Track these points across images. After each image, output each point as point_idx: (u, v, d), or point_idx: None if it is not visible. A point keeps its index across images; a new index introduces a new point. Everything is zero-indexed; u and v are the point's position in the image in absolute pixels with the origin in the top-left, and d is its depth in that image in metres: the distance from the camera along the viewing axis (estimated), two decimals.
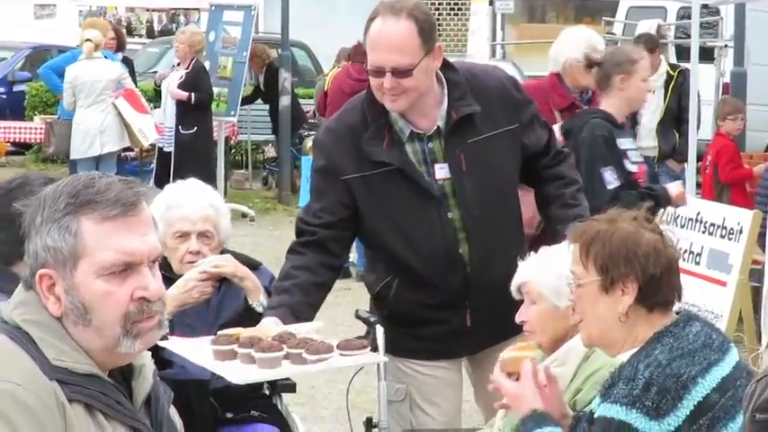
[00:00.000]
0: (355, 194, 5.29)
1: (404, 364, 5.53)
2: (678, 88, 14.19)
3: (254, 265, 5.73)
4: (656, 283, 4.09)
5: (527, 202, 5.99)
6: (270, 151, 20.87)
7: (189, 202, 5.56)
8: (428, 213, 5.29)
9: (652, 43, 14.45)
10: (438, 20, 31.38)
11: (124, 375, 3.28)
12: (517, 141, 5.43)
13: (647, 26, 13.86)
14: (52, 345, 3.14)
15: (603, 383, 4.16)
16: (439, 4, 32.50)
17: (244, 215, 17.73)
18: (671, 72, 14.29)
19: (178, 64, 16.77)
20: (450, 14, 33.36)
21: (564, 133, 7.48)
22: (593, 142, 7.31)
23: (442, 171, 5.27)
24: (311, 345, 4.82)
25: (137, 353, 3.24)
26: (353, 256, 14.30)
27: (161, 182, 13.60)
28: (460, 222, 5.32)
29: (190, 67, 16.51)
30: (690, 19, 13.58)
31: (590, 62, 7.67)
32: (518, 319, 4.87)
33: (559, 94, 7.73)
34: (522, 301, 4.90)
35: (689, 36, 12.96)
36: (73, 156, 15.89)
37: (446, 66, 5.35)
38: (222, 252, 5.59)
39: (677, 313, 4.17)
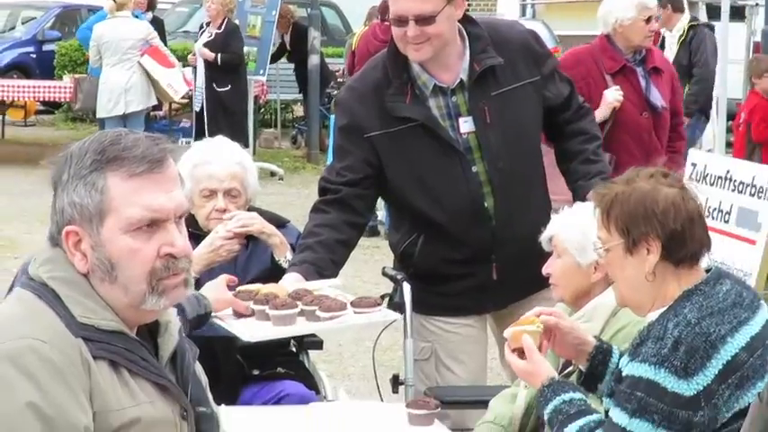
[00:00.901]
0: (379, 152, 5.31)
1: (429, 322, 5.56)
2: (688, 44, 14.12)
3: (281, 223, 5.74)
4: (679, 237, 4.06)
5: None
6: (298, 110, 20.90)
7: (216, 159, 5.54)
8: (453, 168, 5.30)
9: (677, 3, 14.58)
10: None
11: (150, 332, 3.28)
12: (539, 94, 5.46)
13: None
14: (78, 302, 3.14)
15: (632, 342, 4.16)
16: None
17: (273, 174, 17.77)
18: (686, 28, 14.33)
19: (208, 24, 16.70)
20: None
21: None
22: None
23: (466, 124, 5.29)
24: (324, 302, 4.84)
25: (162, 310, 3.24)
26: (381, 214, 14.36)
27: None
28: (485, 176, 5.33)
29: (222, 27, 16.47)
30: None
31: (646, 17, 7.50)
32: (544, 270, 4.91)
33: (610, 56, 7.56)
34: (548, 255, 4.93)
35: None
36: (99, 114, 16.01)
37: (467, 20, 5.37)
38: (249, 209, 5.57)
39: (707, 271, 4.17)
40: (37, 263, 3.24)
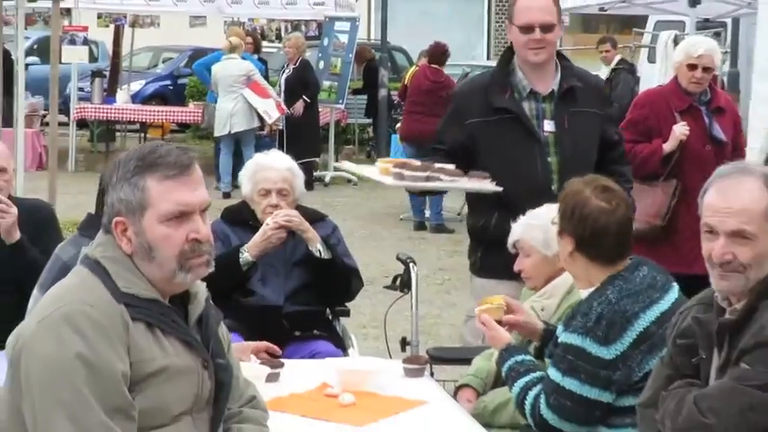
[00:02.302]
0: (476, 137, 5.40)
1: (489, 283, 5.51)
2: (610, 82, 13.85)
3: (320, 217, 5.74)
4: (588, 242, 4.10)
5: (653, 195, 6.42)
6: (370, 132, 20.90)
7: (271, 166, 5.57)
8: (533, 155, 5.37)
9: (613, 42, 14.59)
10: None
11: (182, 300, 3.30)
12: (601, 126, 5.58)
13: (666, 36, 13.54)
14: (123, 276, 3.17)
15: (566, 316, 4.17)
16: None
17: (349, 180, 17.72)
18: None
19: (287, 63, 16.89)
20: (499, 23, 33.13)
21: None
22: None
23: (548, 126, 5.41)
24: (447, 171, 5.17)
25: (189, 283, 3.25)
26: (428, 212, 14.39)
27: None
28: (557, 166, 5.39)
29: (298, 63, 16.63)
30: (703, 30, 13.37)
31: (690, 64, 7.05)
32: (516, 268, 4.82)
33: (678, 96, 7.15)
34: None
35: None
36: (215, 133, 16.06)
37: (559, 54, 5.60)
38: (297, 207, 5.59)
39: (631, 258, 4.17)
40: (92, 246, 3.28)
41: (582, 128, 5.45)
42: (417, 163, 5.32)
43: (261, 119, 15.87)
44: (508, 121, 5.36)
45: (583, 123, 5.46)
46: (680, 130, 6.97)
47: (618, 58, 14.37)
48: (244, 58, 16.43)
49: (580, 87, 5.49)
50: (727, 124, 7.21)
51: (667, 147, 6.98)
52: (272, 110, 15.85)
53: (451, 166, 5.30)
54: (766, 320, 3.28)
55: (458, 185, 5.26)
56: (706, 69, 7.02)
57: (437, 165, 5.26)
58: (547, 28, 5.31)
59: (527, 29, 5.31)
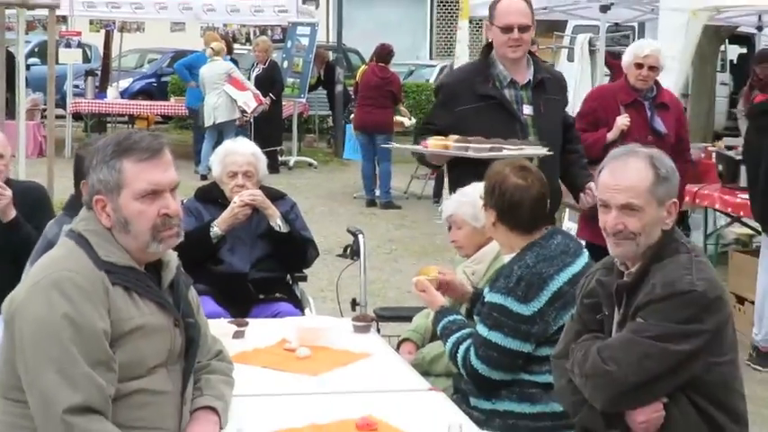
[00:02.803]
0: (467, 120, 5.40)
1: None
2: None
3: (280, 196, 5.70)
4: (505, 213, 4.10)
5: (595, 177, 6.13)
6: (329, 122, 20.80)
7: (238, 151, 5.53)
8: (516, 134, 5.39)
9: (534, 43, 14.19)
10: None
11: (156, 268, 3.28)
12: (562, 110, 5.75)
13: (582, 38, 13.49)
14: (103, 246, 3.16)
15: (491, 278, 4.18)
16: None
17: (310, 164, 17.69)
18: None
19: (257, 63, 16.81)
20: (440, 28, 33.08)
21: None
22: None
23: (527, 110, 5.47)
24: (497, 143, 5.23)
25: (161, 252, 3.25)
26: (378, 191, 14.39)
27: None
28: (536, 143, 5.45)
29: (267, 64, 16.51)
30: (615, 33, 13.37)
31: (637, 63, 6.99)
32: (450, 239, 4.81)
33: (625, 92, 7.05)
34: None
35: (612, 45, 12.60)
36: (205, 125, 15.89)
37: (531, 53, 5.65)
38: (260, 188, 5.55)
39: (547, 228, 4.18)
40: (76, 221, 3.27)
41: (553, 112, 5.55)
42: (480, 138, 5.32)
43: (242, 111, 15.75)
44: (493, 106, 5.40)
45: (554, 108, 5.56)
46: (622, 120, 6.93)
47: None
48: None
49: (549, 78, 5.57)
50: (669, 119, 7.10)
51: (610, 135, 6.92)
52: (250, 100, 15.70)
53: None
54: (657, 280, 3.30)
55: (519, 153, 5.13)
56: (651, 68, 6.98)
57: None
58: (523, 29, 5.37)
59: (507, 29, 5.36)
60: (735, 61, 22.07)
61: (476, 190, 4.50)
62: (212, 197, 5.58)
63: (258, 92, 15.90)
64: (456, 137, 5.32)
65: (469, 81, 5.49)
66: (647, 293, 3.29)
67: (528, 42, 5.46)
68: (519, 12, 5.39)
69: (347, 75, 19.55)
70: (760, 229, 7.70)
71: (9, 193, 5.22)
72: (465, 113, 5.40)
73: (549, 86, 5.55)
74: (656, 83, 7.17)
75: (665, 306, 3.26)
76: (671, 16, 8.39)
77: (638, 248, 3.38)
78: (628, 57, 7.09)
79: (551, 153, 5.32)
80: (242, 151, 5.54)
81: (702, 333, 3.25)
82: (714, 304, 3.28)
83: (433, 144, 5.41)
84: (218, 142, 15.57)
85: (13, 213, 5.23)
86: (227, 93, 15.66)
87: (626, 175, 3.39)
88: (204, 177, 14.51)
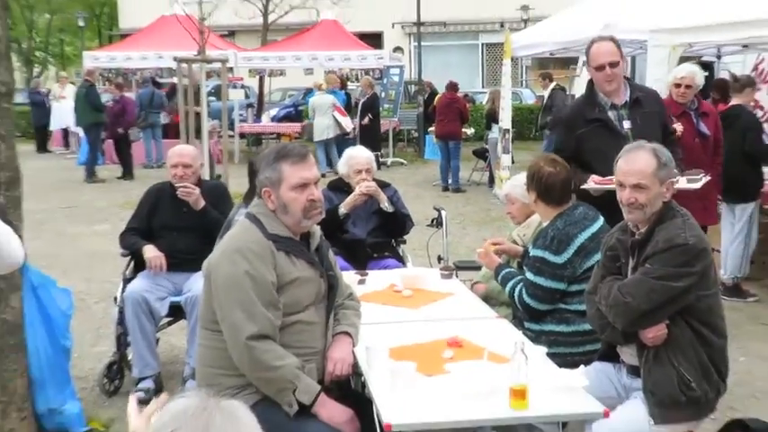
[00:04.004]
0: (584, 141, 4.84)
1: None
2: (550, 99, 13.34)
3: (386, 185, 5.60)
4: (543, 193, 4.02)
5: None
6: (414, 133, 20.68)
7: (360, 155, 5.49)
8: (620, 146, 4.80)
9: (549, 76, 13.85)
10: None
11: (306, 237, 3.27)
12: (660, 119, 5.01)
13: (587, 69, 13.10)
14: (269, 224, 3.15)
15: (534, 237, 4.10)
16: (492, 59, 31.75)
17: (401, 163, 17.61)
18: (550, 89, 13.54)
19: (363, 94, 16.69)
20: (488, 65, 32.53)
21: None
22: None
23: (627, 125, 4.85)
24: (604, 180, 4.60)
25: (310, 226, 3.23)
26: (450, 180, 14.27)
27: None
28: None
29: (370, 95, 16.39)
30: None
31: (676, 83, 6.53)
32: (506, 211, 4.72)
33: (674, 106, 6.46)
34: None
35: None
36: (315, 139, 15.93)
37: (625, 76, 5.11)
38: (374, 179, 5.50)
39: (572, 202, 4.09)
40: (251, 205, 3.27)
41: (650, 122, 4.93)
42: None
43: (341, 128, 15.82)
44: (601, 127, 4.85)
45: (650, 118, 4.93)
46: (677, 128, 6.39)
47: (553, 84, 13.93)
48: (334, 92, 16.39)
49: (643, 96, 4.90)
50: (710, 124, 6.68)
51: None
52: (347, 123, 15.92)
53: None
54: (660, 237, 3.21)
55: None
56: (688, 87, 6.50)
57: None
58: (614, 65, 4.71)
59: (600, 68, 4.73)
60: None
61: (523, 178, 4.42)
62: (339, 187, 5.56)
63: (350, 119, 15.98)
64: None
65: (581, 111, 4.90)
66: (653, 247, 3.20)
67: (620, 74, 4.78)
68: (608, 52, 4.74)
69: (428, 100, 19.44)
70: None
71: (197, 190, 5.23)
72: (582, 135, 4.90)
73: (644, 102, 4.87)
74: (697, 96, 6.68)
75: (666, 255, 3.16)
76: (657, 50, 8.18)
77: (646, 215, 3.28)
78: (669, 78, 6.65)
79: (708, 179, 4.77)
80: (362, 155, 5.51)
81: (693, 274, 3.15)
82: (701, 253, 3.17)
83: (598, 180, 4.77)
84: (324, 151, 15.81)
85: (202, 203, 5.26)
86: (334, 117, 15.73)
87: (636, 162, 3.29)
88: (322, 175, 14.62)
